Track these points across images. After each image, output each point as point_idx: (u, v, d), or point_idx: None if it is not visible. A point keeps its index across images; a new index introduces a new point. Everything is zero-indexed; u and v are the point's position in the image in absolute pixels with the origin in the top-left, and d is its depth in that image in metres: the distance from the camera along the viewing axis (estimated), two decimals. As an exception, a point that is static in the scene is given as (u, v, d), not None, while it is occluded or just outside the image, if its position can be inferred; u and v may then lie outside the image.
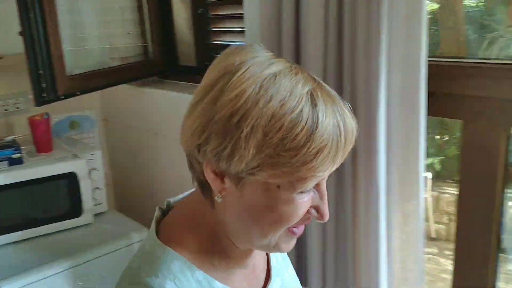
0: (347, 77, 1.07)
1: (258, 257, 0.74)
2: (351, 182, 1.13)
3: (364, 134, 1.05)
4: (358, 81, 1.04)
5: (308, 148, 0.53)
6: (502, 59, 1.52)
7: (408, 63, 0.98)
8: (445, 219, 4.33)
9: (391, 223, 1.11)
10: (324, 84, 0.58)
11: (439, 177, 4.77)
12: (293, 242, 0.65)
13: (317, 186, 0.60)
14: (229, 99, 0.54)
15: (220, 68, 0.57)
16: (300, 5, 1.10)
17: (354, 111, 0.64)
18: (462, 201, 1.16)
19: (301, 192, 0.58)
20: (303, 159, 0.53)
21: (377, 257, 1.10)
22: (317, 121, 0.53)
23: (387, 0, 0.95)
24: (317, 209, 0.61)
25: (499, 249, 1.16)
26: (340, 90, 1.09)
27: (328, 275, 1.25)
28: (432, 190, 4.51)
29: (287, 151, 0.53)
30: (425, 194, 3.97)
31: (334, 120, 0.54)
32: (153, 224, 0.68)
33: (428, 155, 4.65)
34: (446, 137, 4.85)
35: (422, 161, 1.05)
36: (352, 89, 1.06)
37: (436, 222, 4.39)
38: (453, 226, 4.24)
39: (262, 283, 0.74)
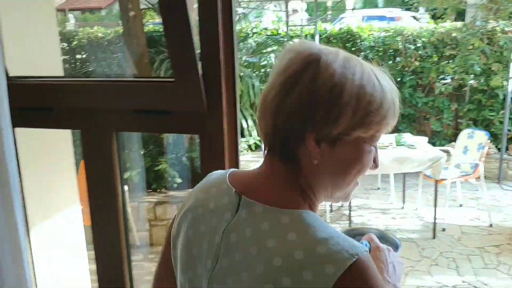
0: None
1: None
2: None
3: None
4: None
5: (384, 107, 0.73)
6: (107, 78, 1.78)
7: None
8: (147, 226, 4.62)
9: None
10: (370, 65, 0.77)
11: (139, 188, 5.03)
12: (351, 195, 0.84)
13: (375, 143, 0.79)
14: (327, 77, 0.70)
15: (300, 60, 0.73)
16: None
17: None
18: (91, 203, 1.32)
19: (372, 145, 0.77)
20: (382, 115, 0.74)
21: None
22: (383, 89, 0.74)
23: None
24: (374, 159, 0.79)
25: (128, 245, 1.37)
26: None
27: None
28: (133, 201, 4.73)
29: (372, 111, 0.72)
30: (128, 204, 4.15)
31: (389, 86, 0.75)
32: (250, 203, 0.77)
33: (128, 168, 4.86)
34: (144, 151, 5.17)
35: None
36: None
37: (140, 230, 4.62)
38: (154, 232, 4.59)
39: None
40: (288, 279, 0.67)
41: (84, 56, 7.34)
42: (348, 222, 4.50)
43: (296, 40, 6.48)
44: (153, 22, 6.77)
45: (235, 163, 1.24)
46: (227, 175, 0.83)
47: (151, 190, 4.95)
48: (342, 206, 5.11)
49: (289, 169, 0.76)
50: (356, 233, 1.01)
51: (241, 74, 5.45)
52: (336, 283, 0.65)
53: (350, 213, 4.16)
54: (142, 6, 5.73)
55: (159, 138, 4.84)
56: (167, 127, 1.38)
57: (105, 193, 1.29)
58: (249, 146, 5.75)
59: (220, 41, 1.18)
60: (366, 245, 0.88)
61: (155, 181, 4.77)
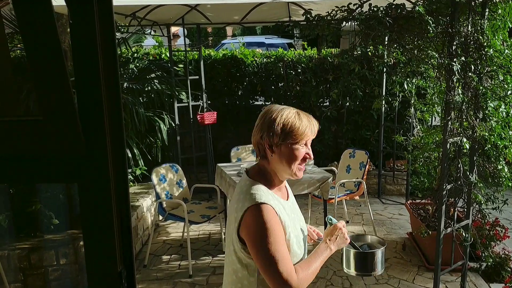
0: None
1: (284, 188, 1.76)
2: None
3: None
4: None
5: (301, 129, 1.56)
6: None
7: None
8: (20, 276, 4.03)
9: None
10: (300, 111, 1.61)
11: (8, 234, 4.42)
12: (301, 173, 1.63)
13: (306, 144, 1.61)
14: (269, 117, 1.59)
15: (265, 112, 1.63)
16: None
17: None
18: None
19: (301, 146, 1.58)
20: (301, 132, 1.56)
21: None
22: (301, 120, 1.57)
23: None
24: (308, 153, 1.61)
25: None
26: None
27: None
28: (1, 249, 4.13)
29: (293, 130, 1.55)
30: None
31: (306, 119, 1.59)
32: (244, 175, 1.68)
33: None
34: None
35: None
36: None
37: (12, 282, 4.05)
38: (30, 282, 4.03)
39: (286, 197, 1.74)
40: (237, 205, 1.59)
41: None
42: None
43: (180, 65, 6.33)
44: (21, 48, 6.12)
45: (125, 212, 1.04)
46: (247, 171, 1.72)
47: (23, 235, 4.34)
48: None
49: (265, 161, 1.64)
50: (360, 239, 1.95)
51: (123, 101, 5.12)
52: (245, 212, 1.54)
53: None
54: (9, 30, 5.13)
55: (31, 175, 4.27)
56: (34, 177, 1.12)
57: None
58: (136, 177, 5.40)
59: (100, 66, 0.99)
60: (331, 219, 1.81)
61: (27, 224, 4.19)
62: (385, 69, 5.73)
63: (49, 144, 1.01)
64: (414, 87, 4.31)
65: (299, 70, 6.41)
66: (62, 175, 1.10)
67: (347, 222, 5.24)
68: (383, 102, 3.98)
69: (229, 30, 17.26)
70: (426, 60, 3.26)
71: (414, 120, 5.32)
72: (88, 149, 1.01)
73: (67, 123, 0.99)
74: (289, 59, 6.47)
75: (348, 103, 6.10)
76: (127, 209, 1.05)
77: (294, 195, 1.86)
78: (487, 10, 3.06)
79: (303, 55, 6.54)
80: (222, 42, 13.89)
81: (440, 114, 4.46)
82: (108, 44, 0.99)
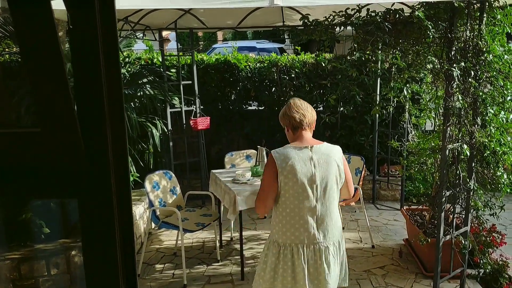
0: None
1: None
2: None
3: None
4: None
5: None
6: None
7: None
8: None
9: None
10: (299, 102, 2.70)
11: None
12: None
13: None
14: (281, 113, 2.72)
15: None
16: None
17: None
18: None
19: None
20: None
21: None
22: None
23: None
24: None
25: None
26: None
27: None
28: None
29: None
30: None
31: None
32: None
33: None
34: None
35: None
36: None
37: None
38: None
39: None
40: None
41: None
42: (239, 256, 4.33)
43: (173, 70, 6.26)
44: (10, 52, 6.00)
45: (128, 230, 0.98)
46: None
47: (13, 245, 4.22)
48: (231, 240, 4.94)
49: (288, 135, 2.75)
50: None
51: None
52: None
53: (242, 247, 4.01)
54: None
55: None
56: (31, 192, 1.05)
57: None
58: (128, 184, 5.31)
59: (102, 74, 0.92)
60: None
61: (17, 233, 4.08)
62: (379, 74, 5.72)
63: (47, 157, 0.94)
64: (409, 93, 4.30)
65: (293, 75, 6.38)
66: (61, 191, 1.03)
67: (343, 228, 5.18)
68: (379, 107, 3.95)
69: (220, 34, 17.22)
70: (424, 65, 3.23)
71: (409, 126, 5.30)
72: (89, 163, 0.94)
73: (66, 135, 0.92)
74: (283, 64, 6.43)
75: (342, 108, 6.07)
76: (130, 227, 0.99)
77: None
78: (485, 15, 3.04)
79: (297, 60, 6.51)
80: (213, 46, 13.84)
81: (435, 120, 4.44)
82: (110, 49, 0.92)
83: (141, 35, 6.37)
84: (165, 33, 11.20)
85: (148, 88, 5.69)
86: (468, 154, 3.08)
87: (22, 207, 3.97)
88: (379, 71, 5.06)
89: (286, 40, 16.45)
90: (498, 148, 3.09)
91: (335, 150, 2.60)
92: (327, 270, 2.50)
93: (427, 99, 4.53)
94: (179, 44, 6.17)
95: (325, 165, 2.51)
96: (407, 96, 4.38)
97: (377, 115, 5.75)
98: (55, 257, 3.83)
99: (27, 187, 1.00)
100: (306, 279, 2.47)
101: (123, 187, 0.97)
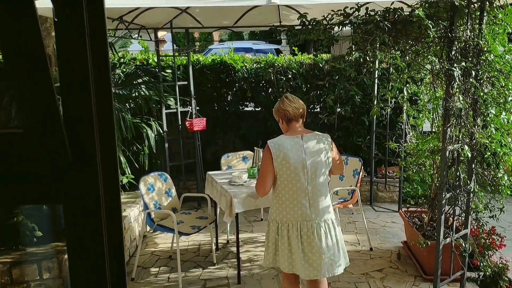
0: None
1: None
2: None
3: None
4: None
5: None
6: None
7: None
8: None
9: None
10: (291, 96, 3.05)
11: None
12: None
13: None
14: (276, 107, 3.06)
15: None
16: None
17: None
18: None
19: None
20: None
21: None
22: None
23: None
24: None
25: None
26: None
27: None
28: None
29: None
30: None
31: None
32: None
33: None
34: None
35: None
36: None
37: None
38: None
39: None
40: None
41: None
42: (235, 259, 4.26)
43: (168, 70, 6.19)
44: None
45: (118, 238, 0.91)
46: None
47: (4, 248, 4.14)
48: (228, 243, 4.87)
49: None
50: None
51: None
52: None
53: (238, 250, 3.94)
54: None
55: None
56: (14, 198, 0.98)
57: None
58: (122, 186, 5.23)
59: (90, 72, 0.85)
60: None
61: (9, 237, 4.00)
62: (377, 75, 5.67)
63: (30, 160, 0.88)
64: (409, 93, 4.25)
65: (290, 76, 6.32)
66: (46, 196, 0.95)
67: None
68: (378, 108, 3.89)
69: (216, 35, 17.16)
70: (423, 65, 3.18)
71: (406, 127, 5.25)
72: (75, 166, 0.87)
73: (51, 137, 0.86)
74: (280, 65, 6.37)
75: (340, 109, 6.01)
76: (119, 234, 0.92)
77: None
78: (485, 14, 2.99)
79: (294, 60, 6.45)
80: (209, 47, 13.77)
81: (434, 121, 4.39)
82: (99, 47, 0.86)
83: (136, 35, 6.30)
84: (161, 34, 11.14)
85: (143, 89, 5.62)
86: (469, 155, 3.02)
87: (13, 210, 3.89)
88: (377, 71, 5.00)
89: (282, 41, 16.41)
90: (499, 149, 3.04)
91: (324, 138, 2.96)
92: (319, 244, 2.86)
93: (426, 100, 4.48)
94: (175, 45, 6.10)
95: (314, 152, 2.89)
96: (406, 97, 4.34)
97: (375, 116, 5.70)
98: (47, 261, 3.75)
99: (10, 192, 0.93)
100: (300, 251, 2.86)
101: (112, 192, 0.91)
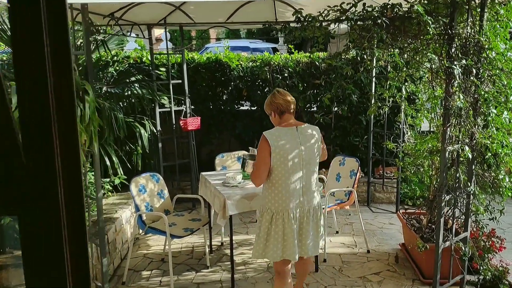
0: None
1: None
2: None
3: None
4: None
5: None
6: None
7: None
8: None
9: None
10: (282, 90, 3.18)
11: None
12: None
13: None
14: (268, 101, 3.18)
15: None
16: None
17: None
18: None
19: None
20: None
21: None
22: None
23: None
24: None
25: None
26: None
27: None
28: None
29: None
30: None
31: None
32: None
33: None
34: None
35: None
36: None
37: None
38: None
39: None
40: None
41: None
42: (229, 262, 4.16)
43: (162, 69, 6.07)
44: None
45: (82, 253, 0.80)
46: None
47: (-10, 251, 4.01)
48: (222, 245, 4.77)
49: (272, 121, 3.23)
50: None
51: (100, 107, 4.84)
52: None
53: (232, 252, 3.83)
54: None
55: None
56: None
57: None
58: (114, 187, 5.12)
59: (47, 61, 0.75)
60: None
61: (-5, 239, 3.88)
62: (374, 73, 5.57)
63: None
64: (407, 92, 4.15)
65: (286, 75, 6.21)
66: (-2, 207, 0.86)
67: (337, 232, 5.04)
68: (375, 107, 3.79)
69: (212, 33, 17.05)
70: (423, 63, 3.07)
71: (404, 126, 5.16)
72: (30, 172, 0.77)
73: (1, 140, 0.76)
74: (276, 63, 6.26)
75: (337, 108, 5.91)
76: (83, 248, 0.82)
77: None
78: (486, 11, 2.90)
79: (290, 59, 6.34)
80: (206, 46, 13.64)
81: (433, 120, 4.29)
82: (58, 33, 0.75)
83: (129, 33, 6.18)
84: (158, 33, 11.01)
85: (137, 87, 5.50)
86: (470, 156, 2.92)
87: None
88: (375, 69, 4.90)
89: (279, 39, 16.31)
90: (500, 150, 2.94)
91: (316, 130, 3.15)
92: (307, 227, 3.09)
93: (424, 99, 4.38)
94: (171, 43, 5.99)
95: (308, 142, 3.06)
96: (404, 96, 4.24)
97: (372, 115, 5.60)
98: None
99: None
100: (295, 237, 3.03)
101: (75, 201, 0.80)
